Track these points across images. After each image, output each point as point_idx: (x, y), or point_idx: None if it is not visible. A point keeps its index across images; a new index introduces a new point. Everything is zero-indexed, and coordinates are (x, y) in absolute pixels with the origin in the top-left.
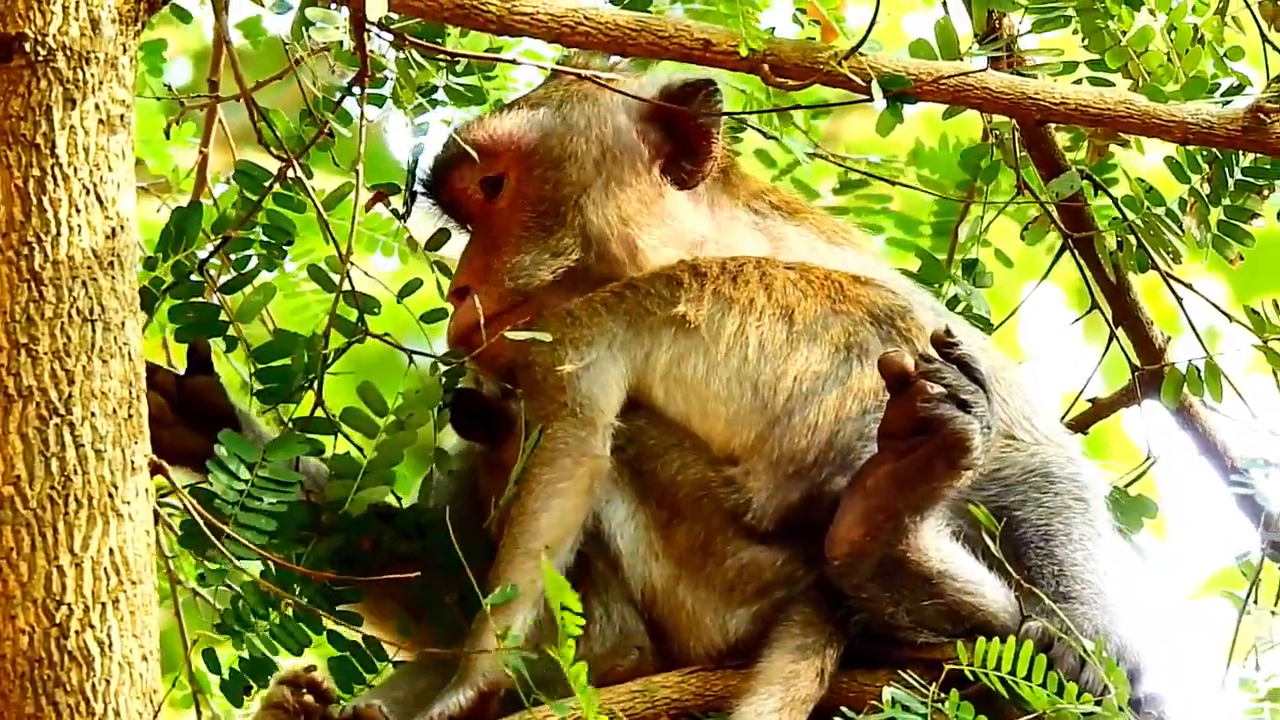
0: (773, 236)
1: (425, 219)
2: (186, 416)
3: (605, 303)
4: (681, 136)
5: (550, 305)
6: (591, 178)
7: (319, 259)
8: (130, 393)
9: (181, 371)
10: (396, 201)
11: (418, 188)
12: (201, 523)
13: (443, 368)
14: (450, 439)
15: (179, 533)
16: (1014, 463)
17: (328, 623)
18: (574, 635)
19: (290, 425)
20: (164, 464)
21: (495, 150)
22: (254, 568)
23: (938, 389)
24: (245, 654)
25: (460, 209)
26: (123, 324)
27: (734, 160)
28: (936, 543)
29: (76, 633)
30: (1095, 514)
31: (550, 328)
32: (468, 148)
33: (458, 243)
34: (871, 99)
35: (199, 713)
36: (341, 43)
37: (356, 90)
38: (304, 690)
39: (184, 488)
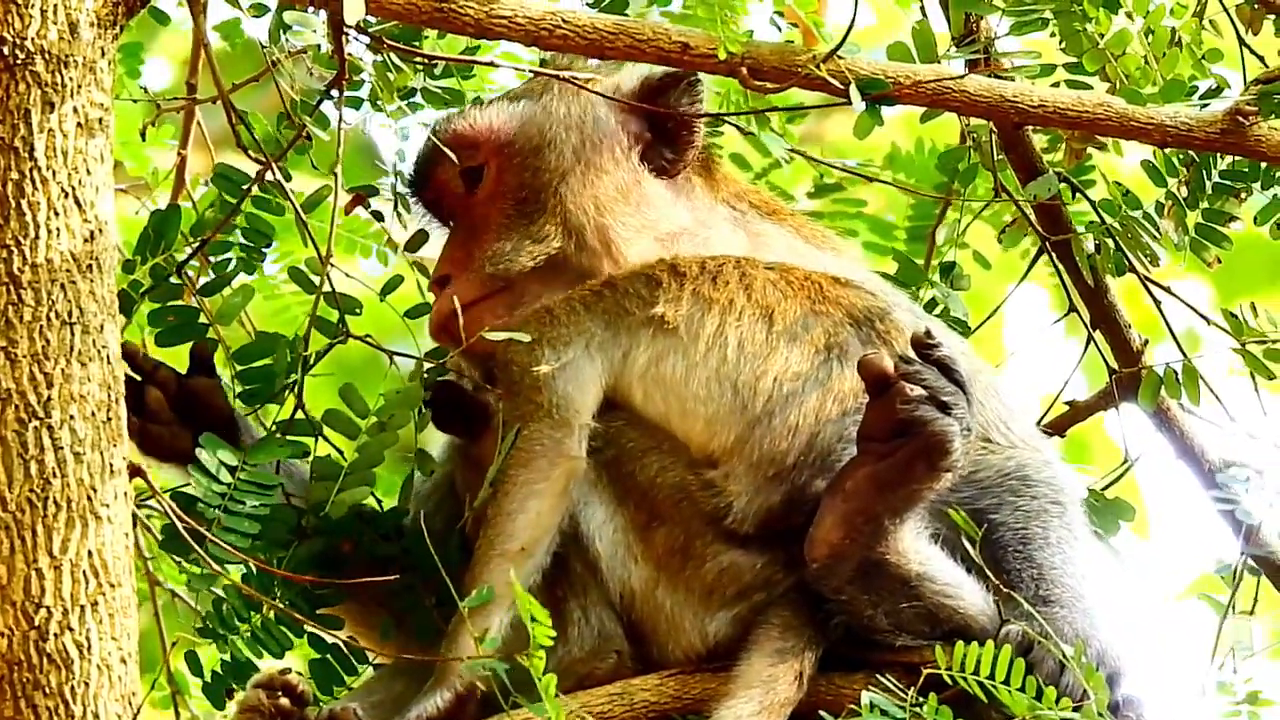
0: (752, 233)
1: (410, 221)
2: (184, 416)
3: (584, 302)
4: (662, 127)
5: (532, 293)
6: (571, 165)
7: (298, 261)
8: (109, 396)
9: (182, 371)
10: (377, 204)
11: (400, 186)
12: (180, 527)
13: (427, 366)
14: (435, 439)
15: (159, 536)
16: (989, 465)
17: (308, 626)
18: (544, 646)
19: (273, 428)
20: (143, 467)
21: (475, 140)
22: (236, 570)
23: (917, 391)
24: (228, 657)
25: (443, 204)
26: (101, 327)
27: (715, 158)
28: (916, 545)
29: (55, 635)
30: (1072, 517)
31: (528, 327)
32: (444, 141)
33: (438, 244)
34: (850, 102)
35: (178, 714)
36: (319, 46)
37: (334, 93)
38: (279, 693)
39: (165, 491)
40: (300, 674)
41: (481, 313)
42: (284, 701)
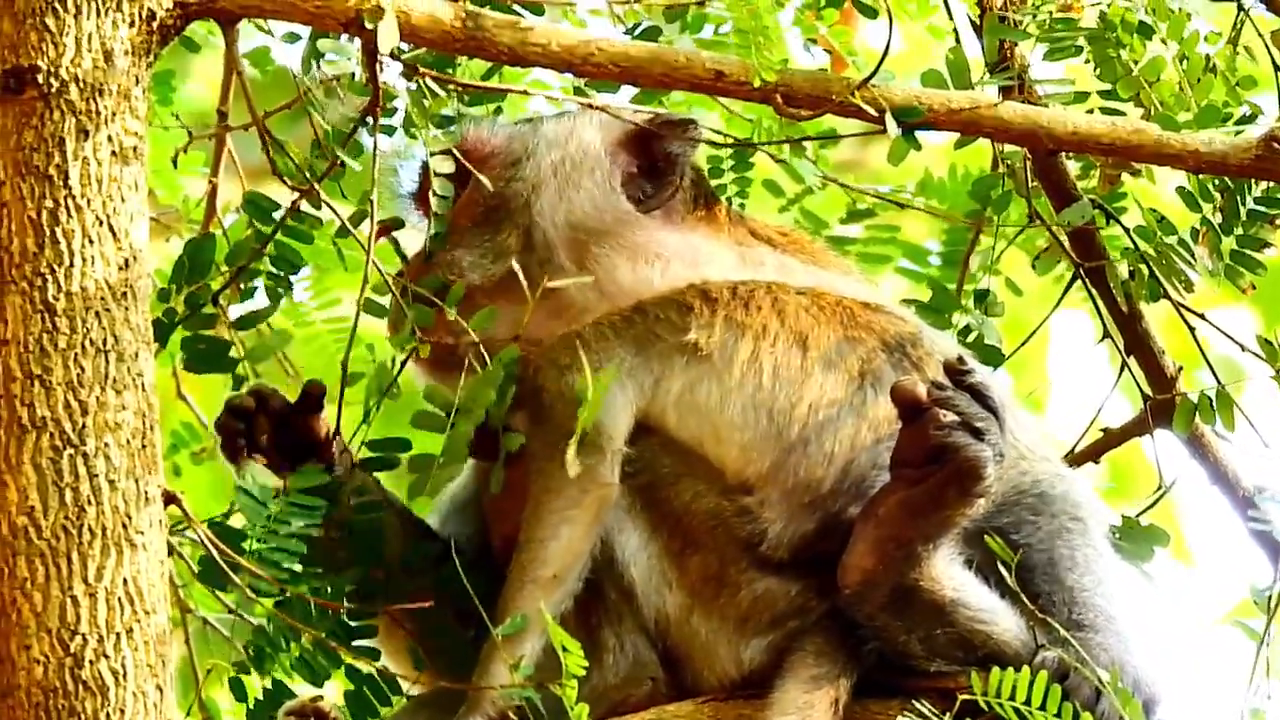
0: (749, 260)
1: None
2: (282, 447)
3: (613, 327)
4: (652, 164)
5: (481, 305)
6: (545, 177)
7: (330, 289)
8: (144, 424)
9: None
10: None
11: (405, 197)
12: (216, 555)
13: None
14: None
15: (195, 567)
16: (1004, 481)
17: (345, 656)
18: (576, 675)
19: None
20: (177, 495)
21: (465, 152)
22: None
23: (950, 417)
24: (269, 684)
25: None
26: (136, 355)
27: (716, 198)
28: (949, 571)
29: (91, 663)
30: (1094, 535)
31: (557, 352)
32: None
33: None
34: (884, 129)
35: None
36: (353, 74)
37: (369, 120)
38: (310, 719)
39: (201, 521)
40: (337, 705)
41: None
42: None
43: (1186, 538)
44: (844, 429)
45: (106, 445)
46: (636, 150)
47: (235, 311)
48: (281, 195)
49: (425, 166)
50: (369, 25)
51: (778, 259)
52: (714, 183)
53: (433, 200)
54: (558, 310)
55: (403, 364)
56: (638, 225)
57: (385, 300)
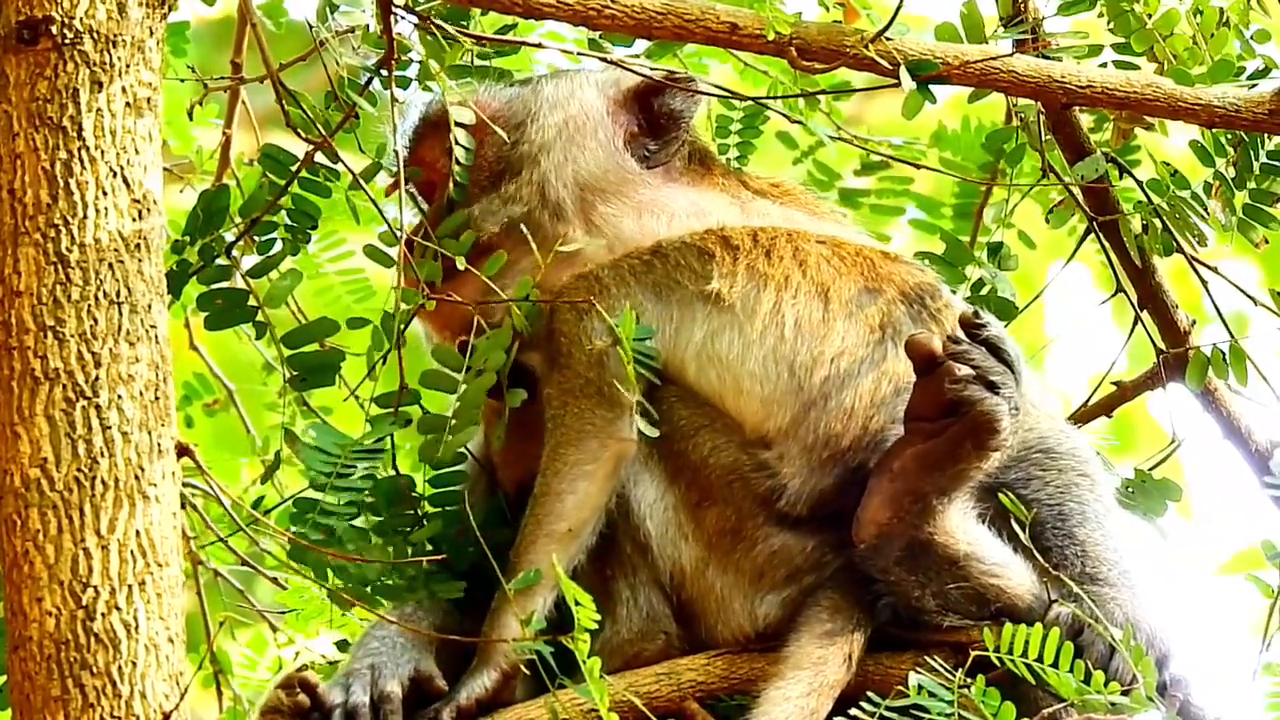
0: (751, 213)
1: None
2: None
3: (633, 270)
4: (654, 122)
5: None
6: (551, 140)
7: (343, 241)
8: (157, 375)
9: None
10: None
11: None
12: (229, 507)
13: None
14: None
15: (204, 515)
16: (1014, 434)
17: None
18: (589, 629)
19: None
20: (190, 446)
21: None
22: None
23: (965, 370)
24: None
25: (429, 181)
26: (149, 307)
27: (712, 153)
28: (963, 525)
29: (103, 615)
30: (1102, 490)
31: (576, 294)
32: (433, 118)
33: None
34: (898, 82)
35: (220, 694)
36: (368, 25)
37: (383, 72)
38: (298, 691)
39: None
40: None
41: (451, 283)
42: (302, 698)
43: (1190, 492)
44: (864, 383)
45: (119, 397)
46: (637, 109)
47: (248, 264)
48: (293, 144)
49: (422, 124)
50: None
51: (780, 211)
52: (721, 139)
53: (456, 150)
54: (567, 263)
55: (411, 315)
56: (641, 183)
57: (394, 251)
